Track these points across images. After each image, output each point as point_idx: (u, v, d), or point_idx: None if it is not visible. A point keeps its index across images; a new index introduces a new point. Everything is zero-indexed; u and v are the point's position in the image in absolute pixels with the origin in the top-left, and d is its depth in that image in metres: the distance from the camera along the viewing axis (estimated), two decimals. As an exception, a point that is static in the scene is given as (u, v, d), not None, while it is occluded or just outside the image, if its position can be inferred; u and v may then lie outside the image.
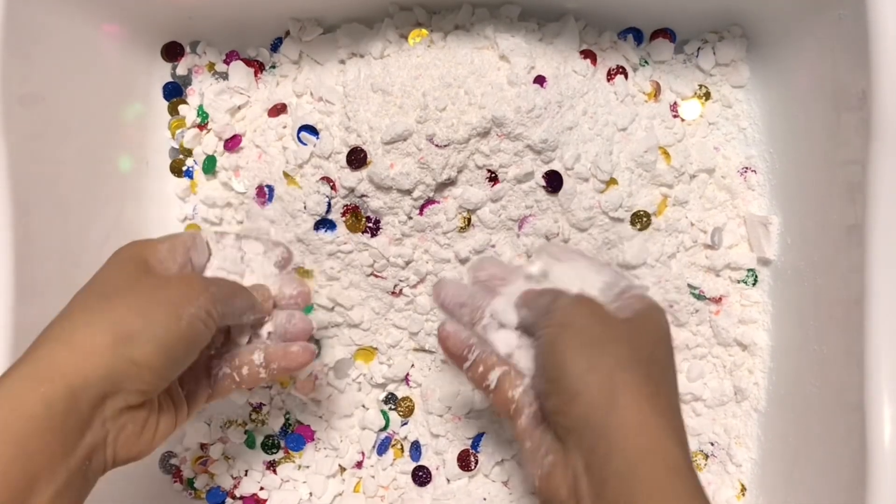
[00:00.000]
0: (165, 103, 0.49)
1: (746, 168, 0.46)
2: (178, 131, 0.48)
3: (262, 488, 0.48)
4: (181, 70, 0.48)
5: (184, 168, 0.49)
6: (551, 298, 0.33)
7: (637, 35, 0.46)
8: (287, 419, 0.48)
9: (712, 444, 0.46)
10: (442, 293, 0.37)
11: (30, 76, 0.39)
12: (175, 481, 0.49)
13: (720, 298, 0.46)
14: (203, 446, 0.49)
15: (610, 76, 0.45)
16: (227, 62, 0.49)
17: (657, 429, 0.29)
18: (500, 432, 0.47)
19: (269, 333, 0.38)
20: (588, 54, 0.45)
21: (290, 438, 0.48)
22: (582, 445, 0.30)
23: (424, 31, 0.44)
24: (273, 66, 0.48)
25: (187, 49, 0.48)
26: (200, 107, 0.48)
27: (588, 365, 0.30)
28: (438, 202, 0.43)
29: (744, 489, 0.46)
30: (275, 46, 0.48)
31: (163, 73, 0.49)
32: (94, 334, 0.30)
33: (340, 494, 0.48)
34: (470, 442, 0.47)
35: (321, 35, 0.47)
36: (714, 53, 0.46)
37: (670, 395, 0.32)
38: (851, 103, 0.36)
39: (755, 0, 0.43)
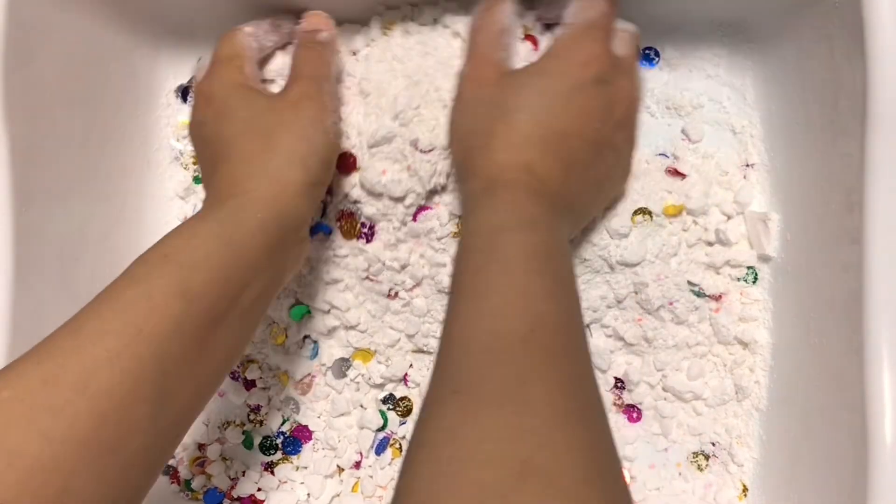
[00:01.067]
0: (167, 102, 0.49)
1: (746, 165, 0.46)
2: (178, 144, 0.49)
3: (259, 489, 0.48)
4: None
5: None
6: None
7: (642, 54, 0.47)
8: (285, 420, 0.48)
9: (713, 445, 0.46)
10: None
11: (30, 75, 0.40)
12: (172, 482, 0.49)
13: (720, 296, 0.45)
14: (201, 447, 0.48)
15: None
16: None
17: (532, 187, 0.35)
18: None
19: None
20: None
21: (288, 442, 0.47)
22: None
23: (396, 22, 0.44)
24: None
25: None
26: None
27: (459, 129, 0.39)
28: (431, 208, 0.43)
29: (746, 489, 0.45)
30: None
31: (165, 71, 0.49)
32: (283, 167, 0.36)
33: (338, 495, 0.48)
34: None
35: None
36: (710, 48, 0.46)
37: (512, 131, 0.36)
38: (848, 91, 0.36)
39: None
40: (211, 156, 0.38)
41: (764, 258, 0.45)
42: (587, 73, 0.37)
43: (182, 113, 0.50)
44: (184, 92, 0.49)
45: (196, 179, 0.49)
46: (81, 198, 0.44)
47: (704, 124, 0.47)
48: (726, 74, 0.46)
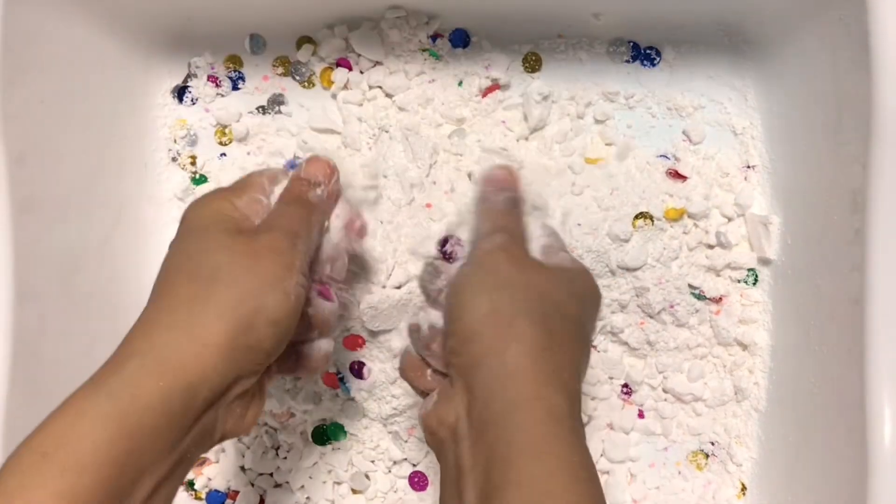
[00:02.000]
0: (163, 103, 0.49)
1: (747, 167, 0.46)
2: (175, 145, 0.49)
3: (260, 497, 0.48)
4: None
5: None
6: (485, 232, 0.34)
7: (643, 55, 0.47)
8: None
9: (713, 444, 0.47)
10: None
11: (29, 78, 0.39)
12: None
13: (720, 298, 0.46)
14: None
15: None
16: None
17: (543, 378, 0.29)
18: None
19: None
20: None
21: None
22: (468, 387, 0.30)
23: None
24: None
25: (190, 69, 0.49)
26: (200, 177, 0.49)
27: (490, 308, 0.30)
28: None
29: (744, 489, 0.46)
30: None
31: (160, 71, 0.49)
32: (210, 323, 0.29)
33: (342, 496, 0.48)
34: None
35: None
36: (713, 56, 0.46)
37: (570, 354, 0.31)
38: (852, 103, 0.36)
39: (756, 1, 0.43)
40: (148, 300, 0.31)
41: (764, 261, 0.45)
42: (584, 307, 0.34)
43: (178, 113, 0.49)
44: (180, 92, 0.49)
45: (194, 180, 0.49)
46: (80, 203, 0.44)
47: (705, 125, 0.47)
48: (727, 75, 0.46)
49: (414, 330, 0.35)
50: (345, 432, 0.47)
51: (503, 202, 0.36)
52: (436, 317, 0.34)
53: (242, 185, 0.35)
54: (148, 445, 0.27)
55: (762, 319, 0.45)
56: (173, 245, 0.33)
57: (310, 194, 0.35)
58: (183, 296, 0.30)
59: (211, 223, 0.32)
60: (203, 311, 0.29)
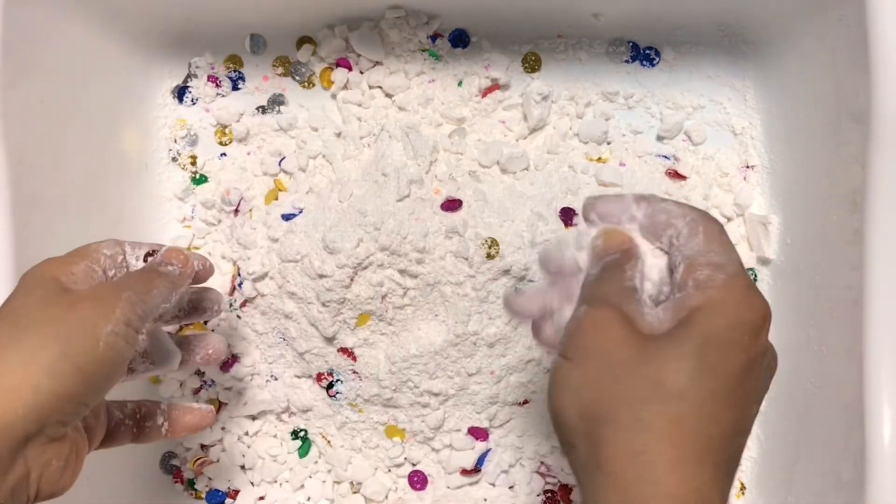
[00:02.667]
0: (163, 103, 0.49)
1: (747, 167, 0.46)
2: (175, 144, 0.49)
3: (260, 498, 0.48)
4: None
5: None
6: (578, 307, 0.28)
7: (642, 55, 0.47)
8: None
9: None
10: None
11: (30, 78, 0.39)
12: (176, 481, 0.49)
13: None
14: (203, 447, 0.49)
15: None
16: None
17: (637, 499, 0.24)
18: (502, 452, 0.47)
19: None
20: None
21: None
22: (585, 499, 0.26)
23: None
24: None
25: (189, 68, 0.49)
26: (200, 177, 0.49)
27: (578, 416, 0.26)
28: None
29: (743, 488, 0.46)
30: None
31: (161, 71, 0.49)
32: (13, 370, 0.28)
33: (342, 496, 0.48)
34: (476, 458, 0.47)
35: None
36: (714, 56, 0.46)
37: (676, 438, 0.24)
38: (851, 103, 0.36)
39: (755, 1, 0.43)
40: None
41: (763, 260, 0.45)
42: (759, 343, 0.26)
43: (179, 113, 0.49)
44: (180, 92, 0.49)
45: (194, 180, 0.49)
46: (80, 202, 0.44)
47: (705, 125, 0.47)
48: (727, 75, 0.46)
49: (536, 331, 0.32)
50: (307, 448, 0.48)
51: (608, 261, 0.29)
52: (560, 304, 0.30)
53: (80, 253, 0.34)
54: None
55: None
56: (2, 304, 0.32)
57: (161, 266, 0.35)
58: None
59: (40, 283, 0.32)
60: (6, 358, 0.28)
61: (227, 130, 0.49)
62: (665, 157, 0.47)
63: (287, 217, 0.45)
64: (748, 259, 0.45)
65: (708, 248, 0.27)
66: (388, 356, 0.45)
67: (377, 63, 0.47)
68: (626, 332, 0.26)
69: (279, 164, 0.48)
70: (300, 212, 0.45)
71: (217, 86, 0.49)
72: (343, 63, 0.48)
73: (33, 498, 0.30)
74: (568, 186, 0.45)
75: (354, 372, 0.45)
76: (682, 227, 0.28)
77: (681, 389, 0.25)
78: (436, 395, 0.45)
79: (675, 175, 0.46)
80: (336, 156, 0.47)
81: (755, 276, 0.46)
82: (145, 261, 0.36)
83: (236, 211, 0.47)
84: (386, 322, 0.44)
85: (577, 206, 0.45)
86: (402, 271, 0.43)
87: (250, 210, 0.47)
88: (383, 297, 0.44)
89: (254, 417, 0.48)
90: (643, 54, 0.47)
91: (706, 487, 0.24)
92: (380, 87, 0.47)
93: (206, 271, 0.38)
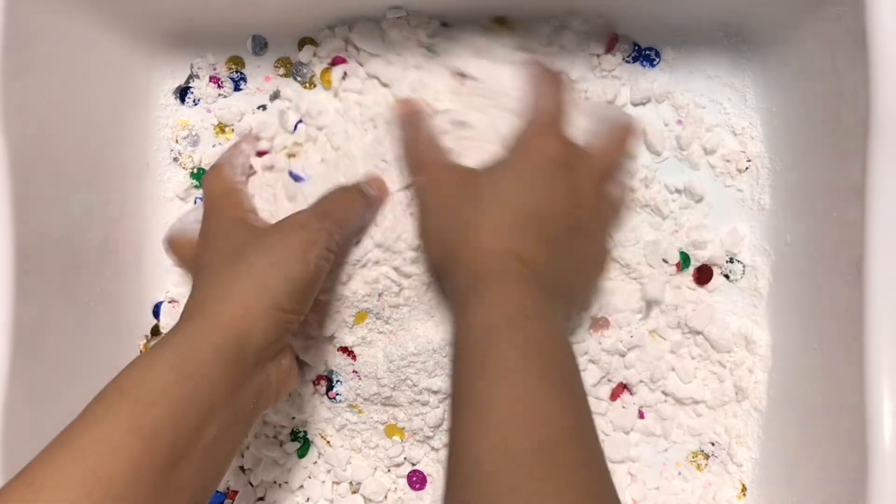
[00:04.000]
0: (165, 102, 0.49)
1: (747, 167, 0.46)
2: (177, 145, 0.49)
3: (260, 498, 0.48)
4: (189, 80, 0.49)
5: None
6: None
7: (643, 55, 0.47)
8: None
9: (713, 444, 0.46)
10: None
11: (31, 77, 0.39)
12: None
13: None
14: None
15: None
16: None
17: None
18: None
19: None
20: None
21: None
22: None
23: None
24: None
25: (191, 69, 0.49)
26: (199, 171, 0.49)
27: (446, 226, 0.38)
28: None
29: (745, 489, 0.45)
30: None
31: (163, 71, 0.49)
32: (247, 292, 0.35)
33: (342, 496, 0.48)
34: None
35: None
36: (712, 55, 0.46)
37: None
38: (851, 101, 0.36)
39: (755, 1, 0.43)
40: (194, 284, 0.38)
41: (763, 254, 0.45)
42: (545, 158, 0.38)
43: (180, 113, 0.49)
44: (182, 93, 0.49)
45: (193, 174, 0.49)
46: (81, 201, 0.44)
47: (705, 125, 0.47)
48: (727, 75, 0.46)
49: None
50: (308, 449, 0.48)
51: (408, 129, 0.42)
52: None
53: (229, 190, 0.44)
54: (208, 389, 0.32)
55: (763, 318, 0.45)
56: (206, 249, 0.40)
57: (361, 190, 0.41)
58: (222, 274, 0.36)
59: (233, 223, 0.40)
60: (238, 281, 0.35)
61: (226, 129, 0.49)
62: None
63: (295, 177, 0.46)
64: (748, 259, 0.45)
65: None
66: (386, 354, 0.45)
67: (375, 56, 0.47)
68: (452, 171, 0.40)
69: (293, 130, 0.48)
70: (307, 178, 0.45)
71: (219, 86, 0.49)
72: (339, 60, 0.48)
73: (273, 398, 0.37)
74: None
75: (354, 371, 0.45)
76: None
77: (489, 194, 0.38)
78: (435, 392, 0.45)
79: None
80: (338, 134, 0.46)
81: (755, 275, 0.46)
82: (259, 156, 0.45)
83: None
84: (383, 320, 0.44)
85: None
86: (396, 269, 0.43)
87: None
88: (380, 294, 0.44)
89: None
90: (643, 54, 0.47)
91: (519, 246, 0.36)
92: (377, 78, 0.47)
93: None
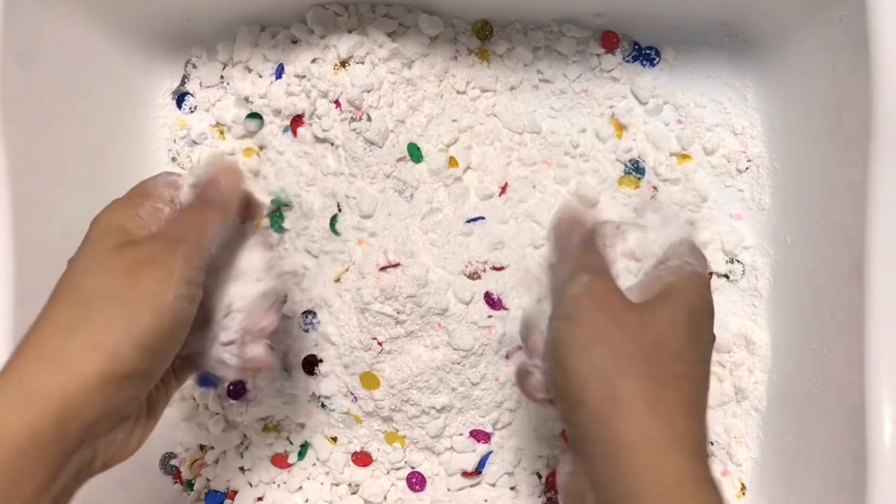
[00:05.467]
0: (163, 103, 0.49)
1: (747, 167, 0.46)
2: (175, 145, 0.49)
3: (259, 499, 0.48)
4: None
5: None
6: (566, 276, 0.30)
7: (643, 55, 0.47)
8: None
9: (712, 444, 0.46)
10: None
11: (29, 78, 0.39)
12: (175, 482, 0.49)
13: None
14: (202, 447, 0.49)
15: None
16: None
17: (655, 442, 0.27)
18: (503, 454, 0.47)
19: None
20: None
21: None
22: (588, 458, 0.28)
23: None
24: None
25: (187, 69, 0.49)
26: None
27: (590, 369, 0.28)
28: None
29: (744, 488, 0.46)
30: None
31: (161, 71, 0.49)
32: (80, 350, 0.28)
33: (341, 497, 0.48)
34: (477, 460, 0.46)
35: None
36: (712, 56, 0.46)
37: (686, 397, 0.28)
38: (852, 102, 0.36)
39: (755, 1, 0.43)
40: (36, 320, 0.30)
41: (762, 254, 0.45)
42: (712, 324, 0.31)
43: (179, 113, 0.49)
44: (179, 99, 0.49)
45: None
46: (80, 202, 0.44)
47: (705, 125, 0.47)
48: (727, 75, 0.46)
49: (523, 376, 0.33)
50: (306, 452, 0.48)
51: (577, 240, 0.33)
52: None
53: (140, 193, 0.33)
54: (22, 481, 0.26)
55: (763, 319, 0.45)
56: (69, 262, 0.31)
57: (207, 192, 0.33)
58: (60, 321, 0.29)
59: (101, 236, 0.31)
60: (74, 338, 0.28)
61: (224, 130, 0.49)
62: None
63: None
64: (748, 258, 0.45)
65: (679, 249, 0.32)
66: (386, 379, 0.44)
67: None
68: (624, 299, 0.30)
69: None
70: None
71: (216, 87, 0.49)
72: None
73: (97, 471, 0.30)
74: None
75: (352, 394, 0.46)
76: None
77: (680, 352, 0.29)
78: (439, 410, 0.45)
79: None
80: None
81: (755, 275, 0.46)
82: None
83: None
84: (384, 352, 0.44)
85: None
86: (397, 311, 0.44)
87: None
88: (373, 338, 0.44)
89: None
90: (644, 54, 0.47)
91: (703, 430, 0.28)
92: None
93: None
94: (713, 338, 0.31)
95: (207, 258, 0.32)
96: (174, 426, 0.48)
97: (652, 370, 0.28)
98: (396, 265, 0.43)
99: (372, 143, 0.44)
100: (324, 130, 0.45)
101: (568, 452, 0.30)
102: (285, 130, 0.46)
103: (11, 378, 0.27)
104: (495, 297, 0.43)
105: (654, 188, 0.46)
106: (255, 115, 0.47)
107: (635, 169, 0.46)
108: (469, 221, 0.44)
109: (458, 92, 0.46)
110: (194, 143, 0.49)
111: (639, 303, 0.30)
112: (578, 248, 0.32)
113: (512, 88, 0.47)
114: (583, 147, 0.46)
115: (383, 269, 0.43)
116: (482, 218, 0.44)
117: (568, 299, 0.30)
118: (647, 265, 0.32)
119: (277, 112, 0.46)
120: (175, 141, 0.49)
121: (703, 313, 0.30)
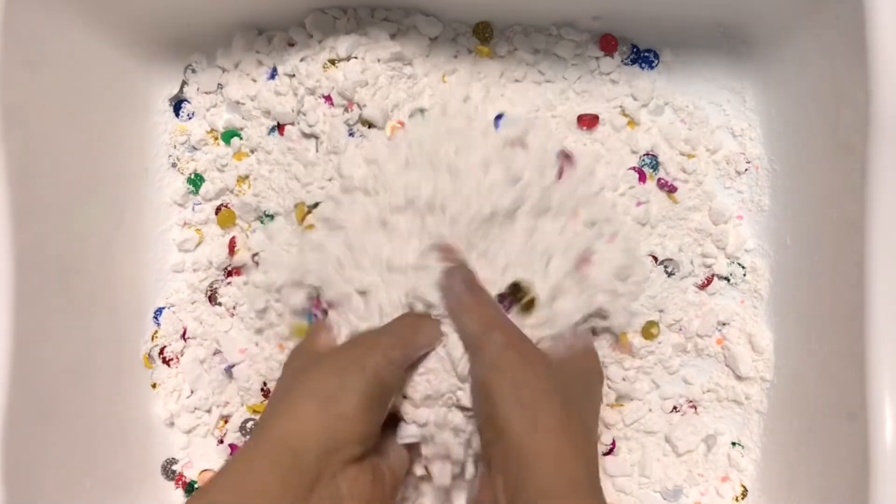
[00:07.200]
0: (163, 108, 0.49)
1: (746, 169, 0.46)
2: (175, 150, 0.49)
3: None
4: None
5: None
6: (475, 330, 0.38)
7: (641, 57, 0.47)
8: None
9: (713, 446, 0.46)
10: None
11: (29, 82, 0.40)
12: (177, 487, 0.49)
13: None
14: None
15: None
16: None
17: (566, 455, 0.34)
18: None
19: None
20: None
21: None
22: (504, 468, 0.34)
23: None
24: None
25: (185, 75, 0.49)
26: (196, 176, 0.49)
27: (515, 405, 0.35)
28: None
29: (745, 490, 0.45)
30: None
31: (160, 77, 0.49)
32: (305, 402, 0.35)
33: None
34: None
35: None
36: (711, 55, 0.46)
37: (586, 433, 0.37)
38: (850, 102, 0.36)
39: (753, 2, 0.43)
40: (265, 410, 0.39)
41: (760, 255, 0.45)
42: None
43: (178, 119, 0.49)
44: (176, 106, 0.49)
45: (190, 180, 0.49)
46: (80, 208, 0.44)
47: (704, 127, 0.47)
48: (725, 77, 0.46)
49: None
50: None
51: (458, 285, 0.39)
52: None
53: (322, 331, 0.42)
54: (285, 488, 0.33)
55: (764, 320, 0.45)
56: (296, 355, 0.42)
57: (431, 319, 0.40)
58: (290, 390, 0.37)
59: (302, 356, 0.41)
60: (298, 397, 0.36)
61: (217, 137, 0.49)
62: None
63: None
64: (748, 258, 0.45)
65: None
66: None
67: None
68: (535, 349, 0.39)
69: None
70: None
71: (215, 93, 0.49)
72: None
73: None
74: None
75: None
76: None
77: (579, 397, 0.38)
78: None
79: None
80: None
81: (756, 275, 0.46)
82: None
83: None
84: None
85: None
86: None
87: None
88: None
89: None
90: (642, 56, 0.47)
91: (595, 453, 0.37)
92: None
93: None
94: (601, 398, 0.42)
95: (411, 358, 0.39)
96: (176, 432, 0.48)
97: (562, 405, 0.35)
98: None
99: (371, 125, 0.44)
100: (310, 126, 0.45)
101: (482, 476, 0.38)
102: (271, 131, 0.47)
103: (258, 433, 0.35)
104: None
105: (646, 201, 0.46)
106: (232, 133, 0.47)
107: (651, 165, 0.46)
108: None
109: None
110: (194, 148, 0.49)
111: (546, 352, 0.39)
112: (471, 297, 0.39)
113: (516, 81, 0.47)
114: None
115: None
116: None
117: (493, 354, 0.37)
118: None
119: (267, 113, 0.46)
120: (175, 147, 0.49)
121: (593, 374, 0.41)
